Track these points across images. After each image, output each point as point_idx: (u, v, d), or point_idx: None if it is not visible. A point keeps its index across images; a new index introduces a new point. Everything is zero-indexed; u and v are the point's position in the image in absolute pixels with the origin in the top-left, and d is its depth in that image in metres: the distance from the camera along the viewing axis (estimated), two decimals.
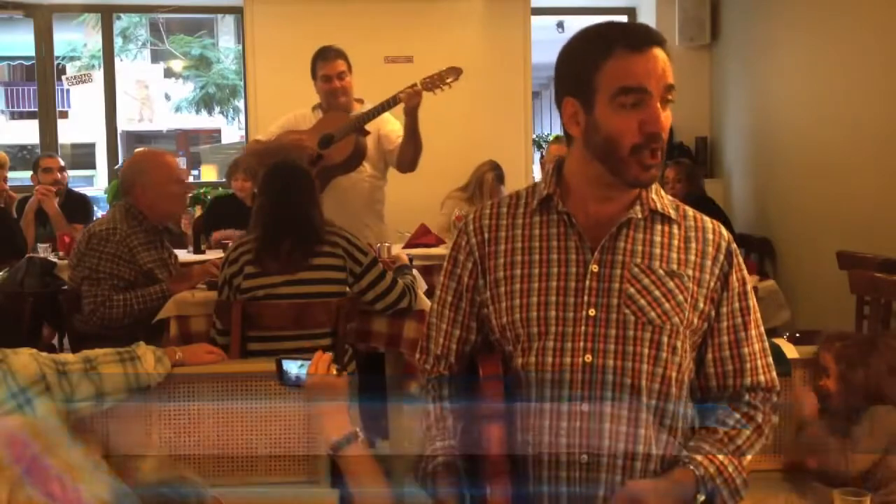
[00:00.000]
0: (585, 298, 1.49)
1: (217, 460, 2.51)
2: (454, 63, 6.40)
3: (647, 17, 7.06)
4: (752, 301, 1.59)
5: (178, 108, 16.06)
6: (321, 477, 2.51)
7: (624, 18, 7.31)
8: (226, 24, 15.05)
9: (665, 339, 1.48)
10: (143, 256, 3.46)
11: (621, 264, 1.51)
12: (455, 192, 5.80)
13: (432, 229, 5.07)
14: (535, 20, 6.81)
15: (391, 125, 4.16)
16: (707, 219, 1.61)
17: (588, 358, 1.47)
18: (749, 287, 1.59)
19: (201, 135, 16.41)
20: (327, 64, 4.15)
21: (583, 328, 1.48)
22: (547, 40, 10.32)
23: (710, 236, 1.57)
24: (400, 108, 3.90)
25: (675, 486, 1.44)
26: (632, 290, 1.49)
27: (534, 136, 7.44)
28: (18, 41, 12.06)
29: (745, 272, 1.59)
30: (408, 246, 4.74)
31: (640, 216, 1.53)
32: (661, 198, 1.59)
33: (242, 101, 7.96)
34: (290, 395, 2.51)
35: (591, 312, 1.49)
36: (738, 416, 1.54)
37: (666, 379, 1.49)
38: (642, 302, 1.48)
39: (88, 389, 2.19)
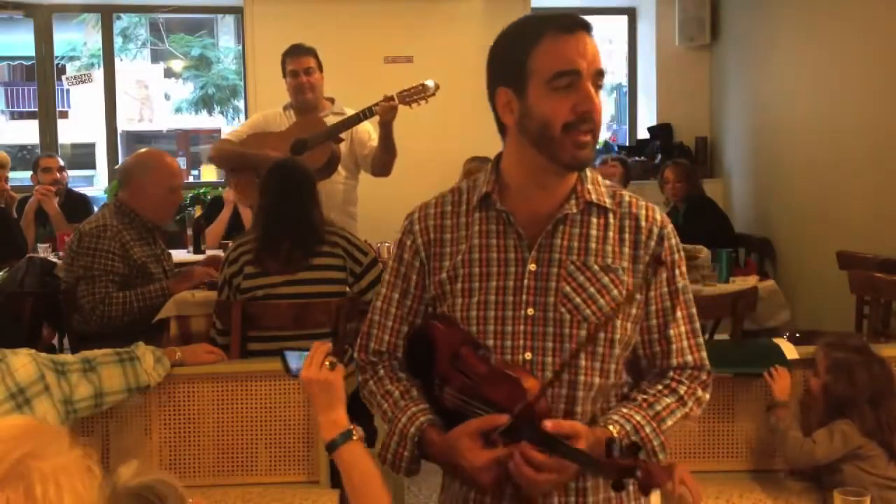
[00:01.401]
0: (524, 297, 1.52)
1: (217, 460, 2.52)
2: (456, 63, 6.40)
3: (646, 17, 7.05)
4: (683, 283, 1.60)
5: (178, 109, 16.05)
6: (321, 477, 2.51)
7: (623, 19, 7.31)
8: (226, 24, 15.03)
9: (602, 334, 1.50)
10: (136, 251, 3.47)
11: (558, 262, 1.52)
12: None
13: None
14: None
15: (364, 127, 4.17)
16: (643, 204, 1.60)
17: (528, 356, 1.50)
18: (681, 270, 1.59)
19: (201, 135, 16.39)
20: (295, 59, 4.19)
21: (522, 327, 1.51)
22: None
23: (643, 223, 1.56)
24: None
25: (593, 444, 1.44)
26: (567, 288, 1.51)
27: None
28: (18, 41, 12.04)
29: (678, 255, 1.59)
30: None
31: (575, 210, 1.54)
32: (597, 186, 1.58)
33: (242, 102, 7.95)
34: (290, 394, 2.52)
35: (530, 312, 1.51)
36: (659, 387, 1.56)
37: (604, 371, 1.52)
38: (578, 300, 1.50)
39: (87, 390, 2.19)
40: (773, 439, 2.46)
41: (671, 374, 1.58)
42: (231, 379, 2.51)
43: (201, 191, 6.56)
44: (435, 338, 1.57)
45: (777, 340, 2.64)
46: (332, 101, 4.31)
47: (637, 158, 6.54)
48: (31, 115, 14.00)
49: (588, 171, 1.58)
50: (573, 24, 1.47)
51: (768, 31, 5.85)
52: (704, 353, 1.61)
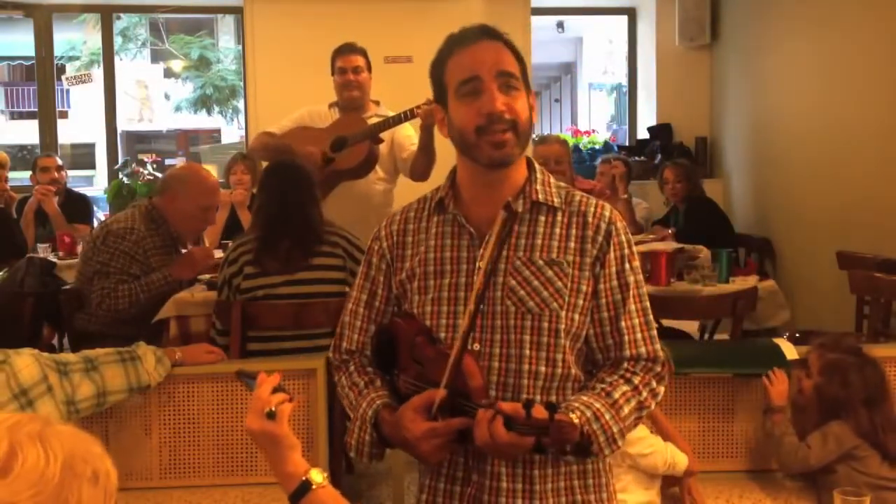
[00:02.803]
0: (474, 293, 1.58)
1: (217, 460, 2.52)
2: None
3: (647, 17, 7.05)
4: (634, 277, 1.65)
5: (178, 108, 16.06)
6: None
7: (623, 19, 7.31)
8: (226, 24, 15.04)
9: (545, 324, 1.58)
10: (155, 260, 3.49)
11: (505, 259, 1.61)
12: None
13: None
14: (535, 20, 6.80)
15: (406, 131, 4.15)
16: (592, 201, 1.67)
17: (476, 346, 1.59)
18: (631, 264, 1.64)
19: (201, 135, 16.41)
20: (343, 57, 4.21)
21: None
22: (547, 40, 10.36)
23: (590, 219, 1.64)
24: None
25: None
26: (513, 282, 1.60)
27: (534, 137, 7.46)
28: (18, 41, 12.05)
29: (628, 250, 1.65)
30: None
31: (522, 209, 1.63)
32: (546, 186, 1.67)
33: (242, 102, 7.94)
34: (290, 394, 2.51)
35: (480, 306, 1.58)
36: (616, 376, 1.61)
37: (550, 361, 1.58)
38: (522, 293, 1.59)
39: (90, 389, 2.19)
40: (768, 443, 2.46)
41: (625, 364, 1.63)
42: (231, 379, 2.51)
43: None
44: (397, 333, 1.66)
45: (777, 340, 2.64)
46: (377, 103, 4.31)
47: (637, 158, 6.54)
48: (30, 115, 14.02)
49: (539, 173, 1.68)
50: (472, 36, 1.63)
51: (768, 31, 5.85)
52: (658, 346, 1.65)
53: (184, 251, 3.76)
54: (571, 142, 7.04)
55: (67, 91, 13.37)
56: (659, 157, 6.52)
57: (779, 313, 3.93)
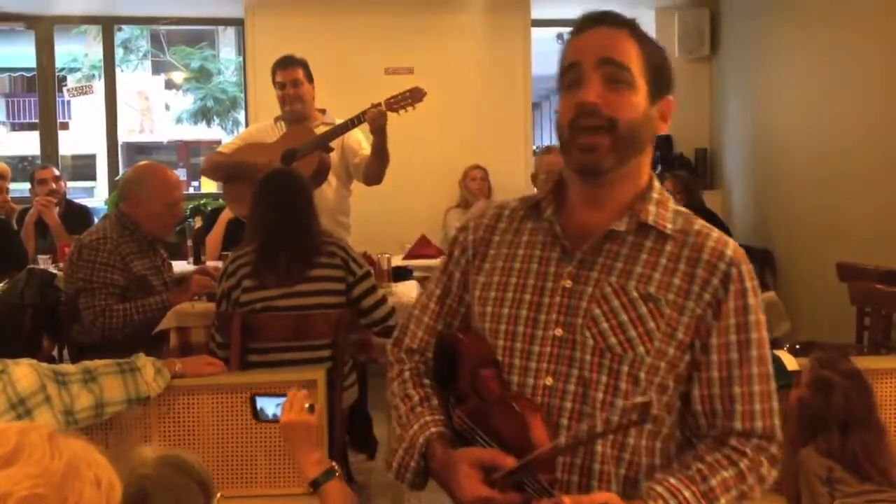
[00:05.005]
0: (555, 316, 1.41)
1: (217, 471, 2.51)
2: (456, 74, 6.38)
3: (646, 28, 7.03)
4: (757, 334, 1.38)
5: (178, 120, 16.09)
6: None
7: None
8: (227, 36, 15.09)
9: (625, 368, 1.35)
10: (136, 264, 3.48)
11: (595, 282, 1.40)
12: (453, 208, 5.85)
13: (433, 241, 5.07)
14: (536, 32, 6.81)
15: (355, 136, 4.16)
16: (714, 236, 1.42)
17: (549, 381, 1.39)
18: (755, 318, 1.38)
19: (202, 146, 16.43)
20: (282, 71, 4.21)
21: (548, 349, 1.40)
22: (547, 52, 10.38)
23: (706, 257, 1.38)
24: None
25: None
26: (597, 311, 1.38)
27: (534, 148, 7.46)
28: (20, 53, 12.10)
29: (752, 300, 1.39)
30: (408, 257, 4.74)
31: (624, 228, 1.40)
32: (661, 208, 1.43)
33: (243, 113, 7.96)
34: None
35: (559, 332, 1.40)
36: (719, 455, 1.36)
37: None
38: (605, 325, 1.37)
39: (88, 400, 2.19)
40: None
41: (733, 440, 1.37)
42: (231, 390, 2.51)
43: (201, 202, 6.56)
44: (459, 350, 1.50)
45: (777, 352, 2.63)
46: (323, 111, 4.32)
47: None
48: (31, 127, 14.03)
49: (655, 192, 1.45)
50: (585, 24, 1.44)
51: (768, 42, 5.86)
52: (777, 421, 1.39)
53: (179, 280, 3.73)
54: None
55: (68, 102, 13.40)
56: (659, 168, 6.53)
57: (779, 324, 3.92)
